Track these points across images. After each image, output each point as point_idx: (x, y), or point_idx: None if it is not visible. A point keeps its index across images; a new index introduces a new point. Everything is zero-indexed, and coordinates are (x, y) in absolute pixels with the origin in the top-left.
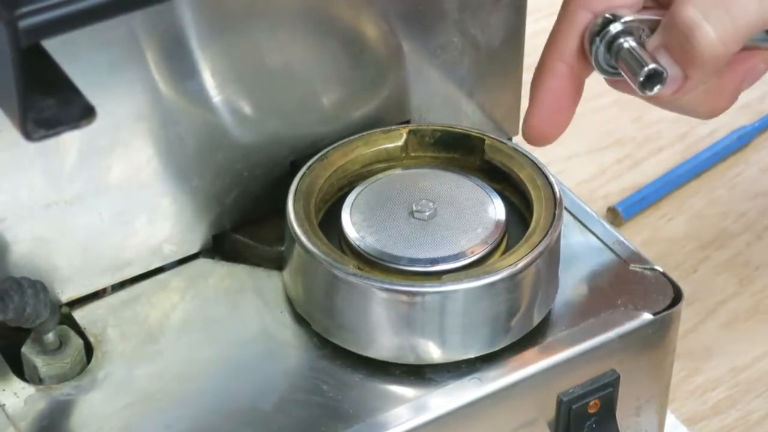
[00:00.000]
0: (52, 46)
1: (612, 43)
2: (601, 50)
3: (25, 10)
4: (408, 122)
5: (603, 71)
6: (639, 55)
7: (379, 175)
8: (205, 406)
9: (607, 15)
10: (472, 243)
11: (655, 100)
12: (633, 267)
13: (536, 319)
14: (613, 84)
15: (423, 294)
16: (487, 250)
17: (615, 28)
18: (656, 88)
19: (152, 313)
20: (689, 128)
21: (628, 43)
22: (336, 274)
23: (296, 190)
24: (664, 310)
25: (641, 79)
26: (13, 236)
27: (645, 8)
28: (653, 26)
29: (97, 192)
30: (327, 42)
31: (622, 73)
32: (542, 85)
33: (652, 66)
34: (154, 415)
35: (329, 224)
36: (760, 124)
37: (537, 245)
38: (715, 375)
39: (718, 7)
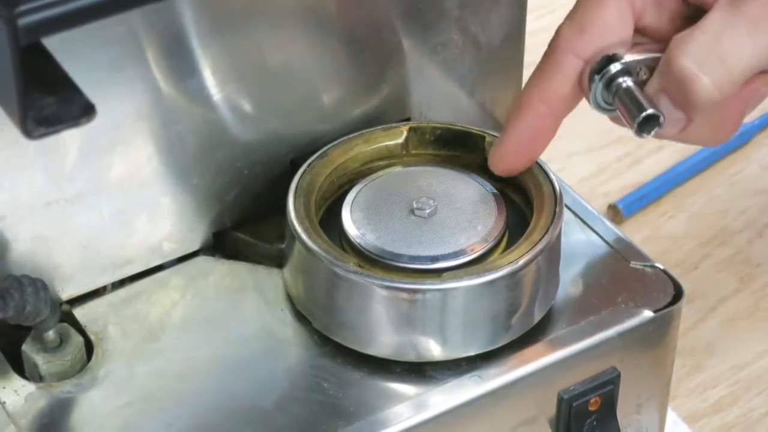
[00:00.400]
0: (52, 44)
1: (611, 82)
2: (599, 88)
3: (24, 8)
4: (408, 120)
5: (600, 108)
6: (636, 99)
7: (380, 173)
8: (206, 405)
9: (608, 53)
10: (473, 240)
11: (660, 136)
12: (633, 264)
13: (537, 317)
14: (615, 120)
15: (423, 291)
16: (487, 247)
17: (615, 68)
18: (653, 132)
19: (153, 311)
20: None
21: (626, 83)
22: (336, 271)
23: (296, 188)
24: (665, 307)
25: (638, 122)
26: (14, 234)
27: (637, 44)
28: (652, 65)
29: (97, 190)
30: (327, 40)
31: (619, 113)
32: (520, 122)
33: (649, 112)
34: (155, 414)
35: (330, 222)
36: (760, 121)
37: (537, 243)
38: (716, 372)
39: (712, 55)
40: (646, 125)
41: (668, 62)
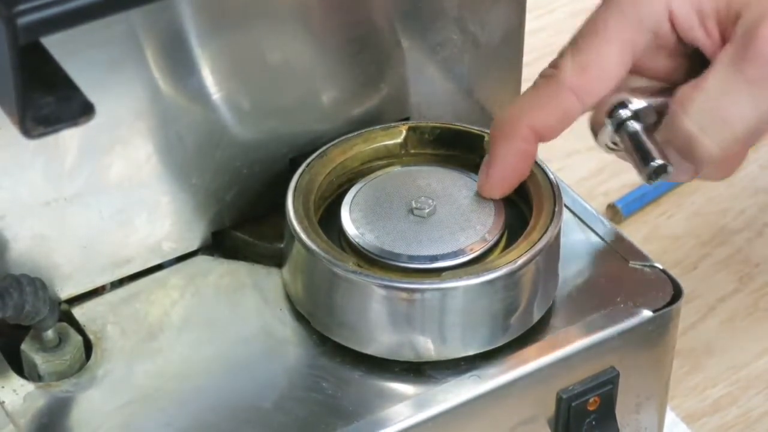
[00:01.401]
0: (51, 43)
1: (620, 126)
2: (608, 130)
3: (23, 7)
4: (407, 119)
5: (607, 149)
6: (645, 147)
7: (379, 173)
8: (205, 404)
9: (619, 99)
10: (472, 240)
11: (673, 180)
12: (633, 264)
13: (536, 317)
14: (622, 158)
15: (422, 291)
16: (486, 247)
17: (625, 113)
18: (660, 178)
19: (152, 310)
20: None
21: (635, 129)
22: (335, 271)
23: (295, 187)
24: (664, 307)
25: (647, 172)
26: (13, 234)
27: (641, 88)
28: (660, 109)
29: (96, 190)
30: (326, 39)
31: (627, 157)
32: (509, 145)
33: (657, 163)
34: (154, 413)
35: (329, 221)
36: None
37: (536, 242)
38: (715, 372)
39: (714, 118)
40: (655, 174)
41: (672, 120)
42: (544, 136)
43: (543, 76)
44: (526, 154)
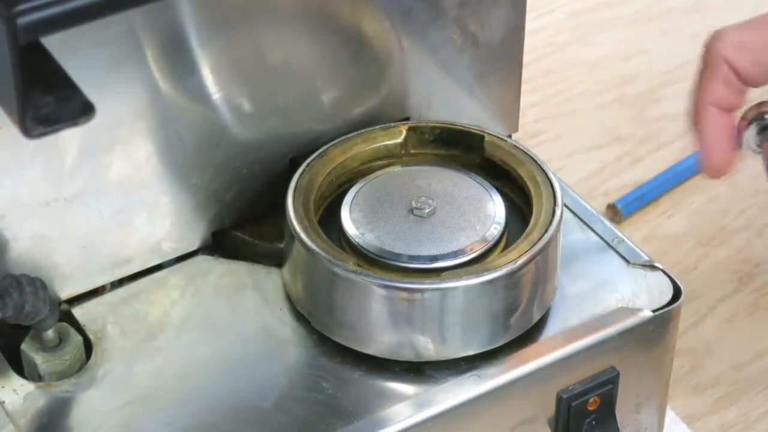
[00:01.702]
0: (51, 43)
1: (764, 130)
2: (753, 133)
3: (23, 7)
4: (407, 119)
5: (749, 150)
6: None
7: (379, 173)
8: (205, 404)
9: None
10: (472, 240)
11: None
12: (632, 264)
13: (535, 316)
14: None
15: (422, 291)
16: (486, 247)
17: None
18: None
19: (152, 310)
20: None
21: None
22: (335, 271)
23: (295, 187)
24: (664, 307)
25: None
26: (13, 234)
27: None
28: None
29: (96, 190)
30: (327, 39)
31: (763, 162)
32: (706, 125)
33: None
34: (154, 413)
35: (329, 221)
36: None
37: (536, 242)
38: (715, 372)
39: None
40: None
41: None
42: (728, 105)
43: (705, 45)
44: (724, 126)
